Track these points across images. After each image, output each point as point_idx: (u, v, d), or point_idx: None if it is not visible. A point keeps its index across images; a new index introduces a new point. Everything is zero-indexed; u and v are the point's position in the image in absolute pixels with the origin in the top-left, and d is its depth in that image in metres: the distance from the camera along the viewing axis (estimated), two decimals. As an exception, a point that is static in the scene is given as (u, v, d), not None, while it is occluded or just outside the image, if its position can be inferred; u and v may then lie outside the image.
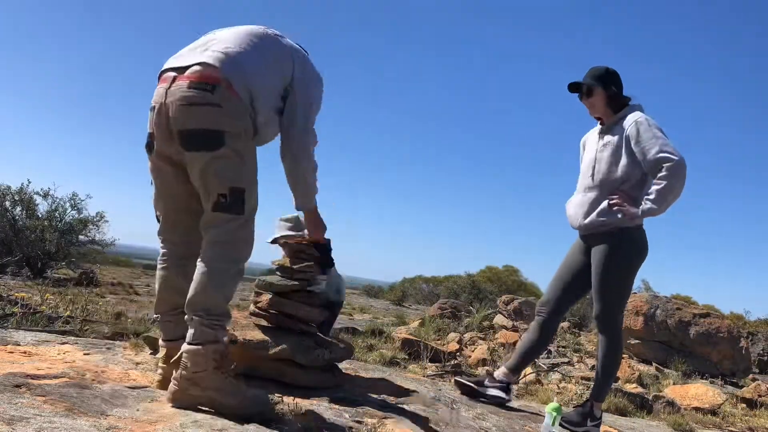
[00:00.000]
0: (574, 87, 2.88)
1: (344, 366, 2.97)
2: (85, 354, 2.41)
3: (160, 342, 2.16)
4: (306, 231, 2.49)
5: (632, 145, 2.69)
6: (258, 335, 2.43)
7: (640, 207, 2.65)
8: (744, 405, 4.75)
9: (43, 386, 1.84)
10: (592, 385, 2.97)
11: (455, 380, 3.17)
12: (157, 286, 2.14)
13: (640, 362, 6.44)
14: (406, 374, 3.59)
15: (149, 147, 2.06)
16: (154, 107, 2.00)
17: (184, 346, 1.89)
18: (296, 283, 2.51)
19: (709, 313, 6.80)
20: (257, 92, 2.04)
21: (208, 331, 1.90)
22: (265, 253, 3.25)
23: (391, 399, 2.57)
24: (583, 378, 4.87)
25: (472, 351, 5.63)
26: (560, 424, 2.68)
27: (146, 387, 2.07)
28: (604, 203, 2.74)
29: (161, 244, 2.16)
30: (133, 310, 5.02)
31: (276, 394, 2.11)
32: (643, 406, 4.06)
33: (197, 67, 1.96)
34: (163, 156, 2.04)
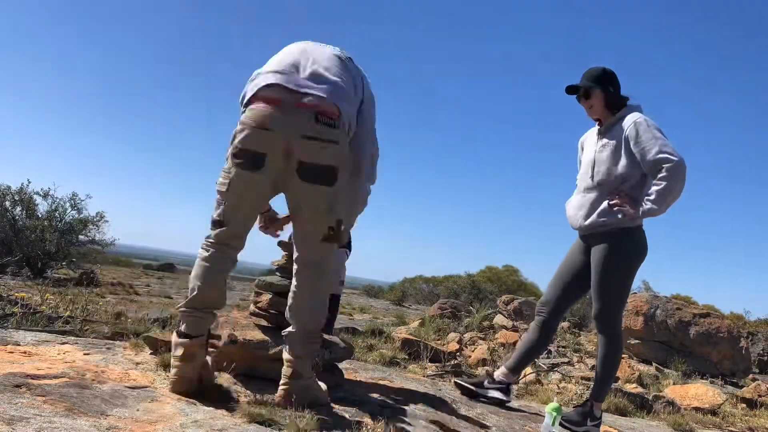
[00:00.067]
0: (571, 89, 2.89)
1: (344, 366, 2.97)
2: (85, 354, 2.41)
3: (178, 339, 2.07)
4: None
5: (632, 145, 2.69)
6: (258, 335, 2.43)
7: (640, 207, 2.65)
8: (744, 405, 4.75)
9: (43, 386, 1.84)
10: (592, 385, 2.97)
11: (455, 381, 3.17)
12: (203, 283, 2.08)
13: (640, 362, 6.44)
14: (406, 374, 3.59)
15: (256, 165, 2.02)
16: (268, 129, 1.99)
17: (295, 359, 2.11)
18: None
19: (709, 313, 6.80)
20: (352, 124, 2.18)
21: (314, 347, 2.21)
22: (265, 253, 3.25)
23: (391, 399, 2.57)
24: (583, 378, 4.87)
25: (472, 351, 5.63)
26: (560, 424, 2.68)
27: (146, 387, 2.07)
28: (604, 204, 2.74)
29: (222, 247, 2.11)
30: (133, 310, 5.02)
31: (275, 395, 2.11)
32: (643, 406, 4.06)
33: (316, 100, 2.03)
34: (269, 175, 2.05)
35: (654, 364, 6.30)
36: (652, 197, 2.62)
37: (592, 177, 2.82)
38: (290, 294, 2.20)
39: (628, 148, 2.71)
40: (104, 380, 2.05)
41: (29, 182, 12.19)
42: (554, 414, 2.38)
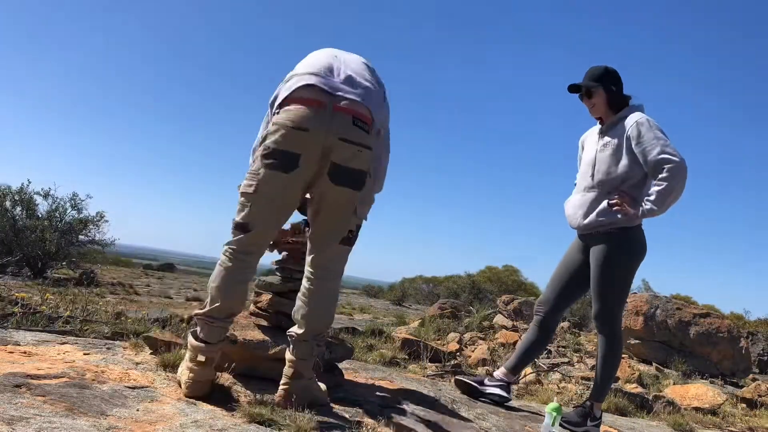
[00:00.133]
0: (574, 88, 2.89)
1: (344, 366, 2.97)
2: (85, 354, 2.41)
3: (197, 344, 2.03)
4: None
5: (633, 145, 2.69)
6: (258, 335, 2.43)
7: (640, 207, 2.65)
8: (744, 405, 4.75)
9: (43, 386, 1.84)
10: (592, 385, 2.97)
11: (455, 379, 3.17)
12: (224, 294, 2.04)
13: (640, 362, 6.44)
14: (406, 374, 3.59)
15: (289, 166, 1.99)
16: (307, 129, 1.97)
17: (298, 360, 2.11)
18: (296, 283, 2.51)
19: (709, 313, 6.80)
20: (380, 130, 2.22)
21: (319, 348, 2.20)
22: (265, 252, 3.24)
23: (391, 399, 2.57)
24: (583, 378, 4.87)
25: (472, 351, 5.63)
26: (560, 424, 2.68)
27: (146, 387, 2.07)
28: (604, 203, 2.74)
29: (245, 257, 2.07)
30: (133, 310, 5.02)
31: (275, 395, 2.11)
32: (643, 406, 4.06)
33: (352, 104, 2.04)
34: (301, 177, 2.03)
35: (654, 364, 6.30)
36: (652, 197, 2.62)
37: (592, 176, 2.82)
38: (300, 295, 2.18)
39: (629, 147, 2.71)
40: (104, 380, 2.05)
41: (29, 182, 12.21)
42: (554, 414, 2.38)
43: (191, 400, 2.00)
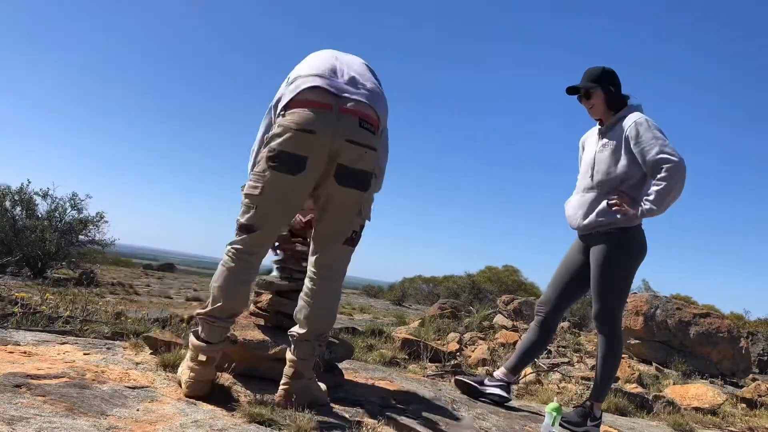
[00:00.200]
0: (572, 90, 2.89)
1: (344, 366, 2.97)
2: (85, 354, 2.41)
3: (198, 343, 2.04)
4: None
5: (632, 145, 2.69)
6: (258, 335, 2.43)
7: (640, 208, 2.65)
8: (744, 405, 4.75)
9: (43, 386, 1.84)
10: (591, 385, 2.97)
11: (456, 379, 3.17)
12: (226, 294, 2.04)
13: (640, 362, 6.44)
14: (406, 374, 3.59)
15: (296, 168, 1.98)
16: (313, 131, 1.96)
17: (299, 360, 2.11)
18: (296, 282, 2.51)
19: (709, 313, 6.80)
20: (384, 131, 2.23)
21: (320, 349, 2.20)
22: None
23: (391, 399, 2.57)
24: (583, 378, 4.88)
25: (472, 351, 5.63)
26: (560, 424, 2.68)
27: (146, 387, 2.07)
28: (603, 203, 2.74)
29: (248, 257, 2.06)
30: (133, 310, 5.02)
31: (276, 395, 2.11)
32: (643, 406, 4.06)
33: (358, 105, 2.04)
34: (308, 179, 2.02)
35: (654, 364, 6.30)
36: (651, 197, 2.62)
37: (592, 177, 2.82)
38: (302, 295, 2.18)
39: (628, 147, 2.71)
40: (104, 380, 2.05)
41: (29, 182, 12.22)
42: (554, 414, 2.38)
43: (191, 400, 2.00)
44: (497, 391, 2.98)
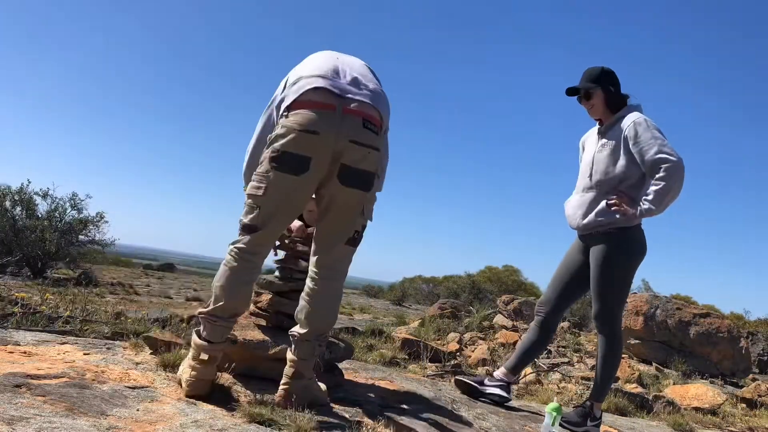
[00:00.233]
0: (572, 91, 2.89)
1: (344, 366, 2.97)
2: (85, 354, 2.41)
3: (200, 342, 2.04)
4: None
5: (630, 145, 2.69)
6: (258, 335, 2.43)
7: (639, 207, 2.65)
8: (744, 405, 4.75)
9: (43, 386, 1.84)
10: (592, 385, 2.97)
11: (455, 379, 3.17)
12: (228, 294, 2.04)
13: (640, 362, 6.44)
14: (406, 374, 3.59)
15: (299, 169, 1.98)
16: (317, 132, 1.96)
17: (299, 360, 2.11)
18: (296, 282, 2.51)
19: (709, 313, 6.80)
20: (386, 132, 2.23)
21: (320, 349, 2.20)
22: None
23: (391, 399, 2.57)
24: (583, 378, 4.88)
25: (472, 351, 5.63)
26: (560, 424, 2.68)
27: (146, 387, 2.07)
28: (603, 203, 2.74)
29: (251, 257, 2.07)
30: (133, 310, 5.02)
31: (276, 395, 2.11)
32: (643, 406, 4.06)
33: (362, 106, 2.04)
34: (311, 180, 2.02)
35: (654, 364, 6.30)
36: (650, 197, 2.62)
37: (591, 176, 2.82)
38: (303, 295, 2.18)
39: (627, 147, 2.71)
40: (104, 380, 2.05)
41: (29, 182, 12.23)
42: (554, 414, 2.38)
43: (191, 400, 2.00)
44: (497, 391, 2.98)
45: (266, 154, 2.03)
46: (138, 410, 1.80)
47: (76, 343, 2.60)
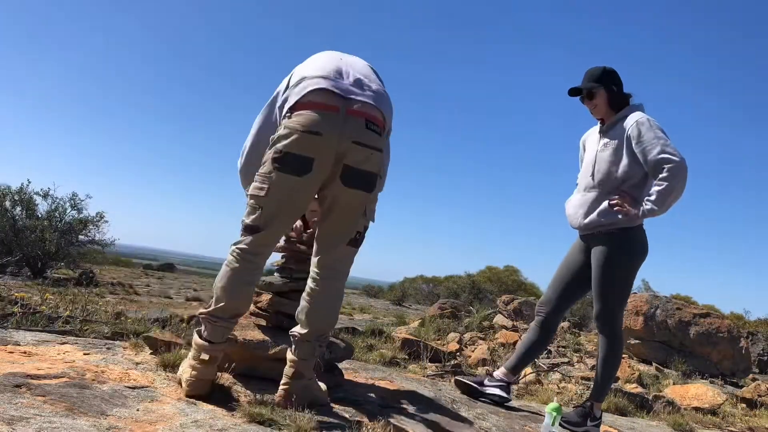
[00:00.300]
0: (574, 92, 2.89)
1: (344, 366, 2.97)
2: (85, 354, 2.40)
3: (201, 342, 2.04)
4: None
5: (633, 145, 2.69)
6: (258, 335, 2.43)
7: (641, 208, 2.65)
8: (744, 405, 4.75)
9: (43, 386, 1.84)
10: (592, 385, 2.97)
11: (455, 379, 3.17)
12: (230, 295, 2.03)
13: (640, 362, 6.44)
14: (406, 374, 3.59)
15: (302, 170, 1.97)
16: (320, 133, 1.96)
17: (299, 361, 2.11)
18: (296, 283, 2.51)
19: (709, 313, 6.80)
20: (389, 132, 2.23)
21: (320, 349, 2.20)
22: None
23: (391, 399, 2.57)
24: (583, 378, 4.88)
25: (472, 351, 5.63)
26: (560, 424, 2.68)
27: (146, 387, 2.07)
28: (605, 203, 2.74)
29: (253, 258, 2.06)
30: (133, 310, 5.02)
31: (276, 395, 2.11)
32: (643, 406, 4.06)
33: (364, 107, 2.04)
34: (314, 181, 2.02)
35: (654, 364, 6.30)
36: (652, 197, 2.61)
37: (593, 176, 2.82)
38: (304, 295, 2.18)
39: (629, 147, 2.71)
40: (104, 380, 2.05)
41: (29, 182, 12.23)
42: (554, 414, 2.38)
43: (191, 400, 2.00)
44: (497, 391, 2.98)
45: (269, 154, 2.03)
46: (138, 410, 1.80)
47: (76, 343, 2.60)
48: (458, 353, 5.49)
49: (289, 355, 2.14)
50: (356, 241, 2.17)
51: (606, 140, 2.81)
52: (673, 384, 5.10)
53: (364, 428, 2.02)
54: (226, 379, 2.24)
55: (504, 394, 2.98)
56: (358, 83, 2.09)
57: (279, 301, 2.53)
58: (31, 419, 1.53)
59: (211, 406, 1.97)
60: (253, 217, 2.04)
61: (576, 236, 2.98)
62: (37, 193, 12.13)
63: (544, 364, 5.48)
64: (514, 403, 3.12)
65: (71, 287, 8.11)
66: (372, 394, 2.59)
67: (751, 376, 6.50)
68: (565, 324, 7.71)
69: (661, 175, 2.60)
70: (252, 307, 2.62)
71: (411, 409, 2.45)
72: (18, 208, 11.89)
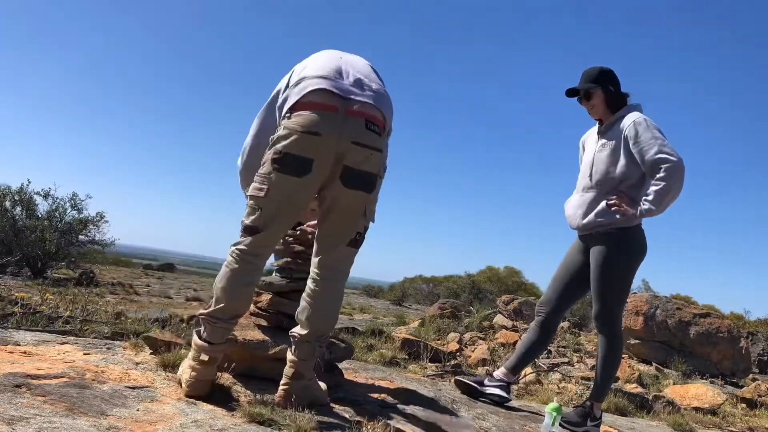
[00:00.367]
0: (572, 92, 2.89)
1: (344, 366, 2.97)
2: (85, 354, 2.41)
3: (201, 343, 2.04)
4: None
5: (631, 145, 2.69)
6: (258, 335, 2.43)
7: (639, 208, 2.65)
8: (744, 405, 4.75)
9: (43, 386, 1.84)
10: (592, 385, 2.97)
11: (455, 380, 3.17)
12: (230, 296, 2.03)
13: (640, 362, 6.44)
14: (406, 374, 3.59)
15: (301, 171, 1.97)
16: (319, 134, 1.95)
17: (299, 361, 2.11)
18: (296, 283, 2.51)
19: (709, 313, 6.80)
20: (389, 133, 2.22)
21: (320, 349, 2.20)
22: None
23: (391, 399, 2.57)
24: (583, 378, 4.88)
25: (472, 351, 5.64)
26: (560, 424, 2.68)
27: (146, 387, 2.07)
28: (603, 203, 2.74)
29: (252, 259, 2.05)
30: (133, 310, 5.02)
31: (276, 395, 2.11)
32: (643, 406, 4.06)
33: (364, 107, 2.03)
34: (313, 182, 2.02)
35: (654, 364, 6.30)
36: (650, 197, 2.61)
37: (591, 176, 2.82)
38: (305, 296, 2.17)
39: (627, 147, 2.71)
40: (104, 380, 2.05)
41: (29, 182, 12.23)
42: (554, 414, 2.38)
43: (191, 400, 2.00)
44: (497, 391, 2.98)
45: (268, 155, 2.02)
46: (138, 410, 1.80)
47: (76, 343, 2.60)
48: (458, 353, 5.49)
49: (289, 356, 2.14)
50: (356, 242, 2.16)
51: (604, 141, 2.81)
52: (673, 384, 5.10)
53: (364, 428, 2.02)
54: (226, 379, 2.24)
55: (504, 394, 2.98)
56: (358, 83, 2.09)
57: (279, 301, 2.53)
58: (31, 419, 1.53)
59: (211, 406, 1.98)
60: (253, 217, 2.03)
61: (575, 236, 2.98)
62: (37, 193, 12.15)
63: (544, 364, 5.48)
64: (514, 403, 3.13)
65: (71, 287, 8.11)
66: (372, 394, 2.59)
67: (751, 376, 6.50)
68: (565, 324, 7.71)
69: (658, 175, 2.60)
70: (252, 307, 2.62)
71: (411, 409, 2.45)
72: (18, 208, 11.89)
